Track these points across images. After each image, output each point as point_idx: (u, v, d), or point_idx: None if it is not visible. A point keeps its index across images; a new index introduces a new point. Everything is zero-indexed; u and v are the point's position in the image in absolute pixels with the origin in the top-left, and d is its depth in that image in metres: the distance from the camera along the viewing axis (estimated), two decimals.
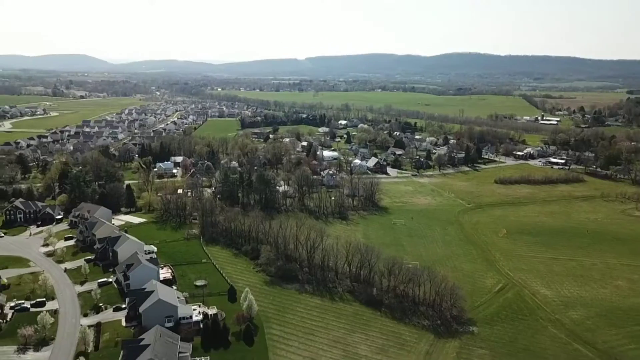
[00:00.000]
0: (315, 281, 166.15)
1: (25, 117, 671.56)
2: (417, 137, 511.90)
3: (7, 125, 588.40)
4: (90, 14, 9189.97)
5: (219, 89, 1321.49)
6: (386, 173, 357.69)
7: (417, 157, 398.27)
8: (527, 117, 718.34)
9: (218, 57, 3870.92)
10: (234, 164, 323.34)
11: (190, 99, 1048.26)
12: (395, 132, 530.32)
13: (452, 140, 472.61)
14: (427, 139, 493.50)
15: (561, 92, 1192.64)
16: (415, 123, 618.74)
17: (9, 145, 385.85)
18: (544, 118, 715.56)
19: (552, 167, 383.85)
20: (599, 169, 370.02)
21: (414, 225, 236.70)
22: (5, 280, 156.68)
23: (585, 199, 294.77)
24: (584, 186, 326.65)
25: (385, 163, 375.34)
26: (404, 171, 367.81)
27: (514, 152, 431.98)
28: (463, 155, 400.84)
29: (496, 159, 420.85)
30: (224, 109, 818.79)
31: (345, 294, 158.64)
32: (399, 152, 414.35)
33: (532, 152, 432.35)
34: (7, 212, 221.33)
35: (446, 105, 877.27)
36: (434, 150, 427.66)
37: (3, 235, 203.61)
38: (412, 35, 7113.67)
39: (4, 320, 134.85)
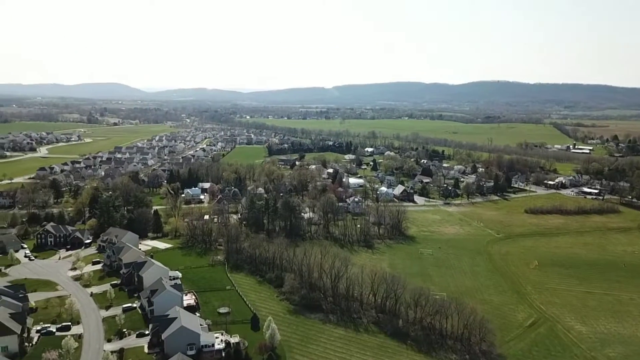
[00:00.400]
0: (339, 311, 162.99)
1: (61, 143, 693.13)
2: (444, 165, 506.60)
3: (43, 151, 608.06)
4: (126, 45, 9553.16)
5: (248, 117, 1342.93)
6: (413, 201, 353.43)
7: (445, 185, 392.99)
8: (558, 146, 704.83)
9: (247, 85, 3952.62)
10: (261, 190, 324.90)
11: (220, 127, 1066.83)
12: (422, 160, 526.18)
13: (480, 169, 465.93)
14: (455, 167, 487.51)
15: (593, 120, 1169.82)
16: (443, 151, 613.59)
17: (44, 171, 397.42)
18: (576, 147, 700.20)
19: (585, 197, 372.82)
20: (635, 200, 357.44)
21: (442, 255, 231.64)
22: (34, 304, 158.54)
23: (621, 230, 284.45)
24: (619, 217, 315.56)
25: (412, 191, 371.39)
26: (431, 199, 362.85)
27: (545, 181, 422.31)
28: (492, 184, 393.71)
29: (526, 188, 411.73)
30: (252, 136, 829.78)
31: (370, 325, 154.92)
32: (426, 180, 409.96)
33: (564, 181, 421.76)
34: (39, 235, 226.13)
35: (474, 133, 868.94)
36: (462, 179, 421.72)
37: (34, 258, 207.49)
38: (439, 64, 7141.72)
39: (30, 344, 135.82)
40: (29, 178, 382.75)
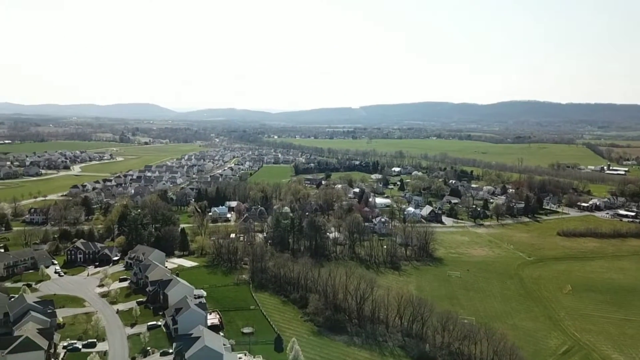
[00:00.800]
0: (364, 334, 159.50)
1: (94, 162, 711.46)
2: (473, 185, 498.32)
3: (76, 169, 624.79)
4: (159, 66, 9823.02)
5: (275, 137, 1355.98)
6: (441, 222, 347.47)
7: (474, 206, 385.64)
8: (592, 167, 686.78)
9: (276, 106, 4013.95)
10: (286, 209, 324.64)
11: (248, 146, 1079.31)
12: (450, 180, 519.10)
13: (510, 190, 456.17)
14: (484, 187, 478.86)
15: (628, 140, 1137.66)
16: (472, 171, 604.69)
17: (77, 188, 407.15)
18: (611, 168, 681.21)
19: (620, 220, 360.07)
20: None
21: (470, 277, 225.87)
22: (61, 320, 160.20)
23: None
24: None
25: (440, 212, 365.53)
26: (459, 220, 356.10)
27: (578, 203, 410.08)
28: (522, 205, 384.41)
29: (559, 209, 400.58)
30: (279, 155, 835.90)
31: (395, 349, 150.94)
32: (454, 200, 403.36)
33: (598, 203, 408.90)
34: (69, 252, 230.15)
35: (504, 153, 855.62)
36: (491, 200, 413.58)
37: (63, 274, 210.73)
38: (468, 84, 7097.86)
39: None
40: (62, 195, 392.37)
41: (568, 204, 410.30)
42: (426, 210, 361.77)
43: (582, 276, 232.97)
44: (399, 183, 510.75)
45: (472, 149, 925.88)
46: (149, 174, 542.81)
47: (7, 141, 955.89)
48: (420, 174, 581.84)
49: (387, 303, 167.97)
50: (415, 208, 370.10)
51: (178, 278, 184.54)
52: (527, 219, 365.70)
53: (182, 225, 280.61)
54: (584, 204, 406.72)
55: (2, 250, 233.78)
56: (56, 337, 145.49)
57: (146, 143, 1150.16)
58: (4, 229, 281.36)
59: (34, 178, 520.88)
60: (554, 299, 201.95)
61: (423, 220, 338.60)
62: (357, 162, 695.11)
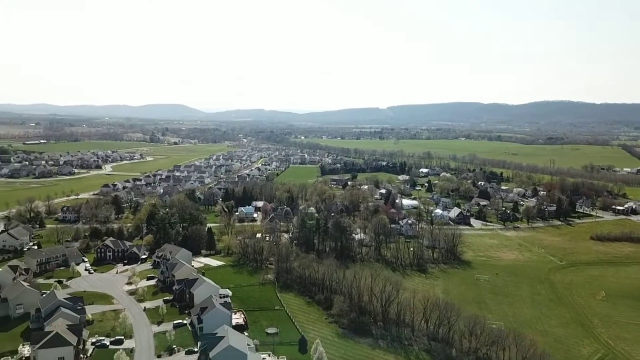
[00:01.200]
0: (389, 337, 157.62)
1: (124, 162, 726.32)
2: (503, 187, 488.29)
3: (108, 168, 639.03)
4: (189, 68, 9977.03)
5: (302, 137, 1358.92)
6: (469, 224, 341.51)
7: (503, 208, 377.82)
8: (628, 169, 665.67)
9: (303, 106, 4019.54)
10: (312, 210, 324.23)
11: (275, 147, 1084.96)
12: (479, 182, 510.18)
13: (541, 192, 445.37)
14: (515, 189, 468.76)
15: None
16: (502, 173, 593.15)
17: (107, 187, 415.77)
18: None
19: None
20: None
21: (499, 281, 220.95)
22: (90, 316, 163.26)
23: None
24: None
25: (468, 214, 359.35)
26: (488, 223, 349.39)
27: (613, 206, 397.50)
28: (554, 208, 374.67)
29: (592, 213, 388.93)
30: (306, 156, 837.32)
31: (421, 353, 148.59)
32: (483, 202, 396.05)
33: (634, 206, 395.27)
34: (99, 250, 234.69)
35: (535, 155, 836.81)
36: (521, 202, 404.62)
37: (93, 271, 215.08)
38: (498, 84, 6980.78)
39: (85, 356, 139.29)
40: (94, 194, 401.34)
41: (602, 207, 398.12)
42: (454, 212, 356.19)
43: (616, 282, 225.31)
44: (426, 184, 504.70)
45: (502, 150, 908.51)
46: (177, 173, 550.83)
47: (42, 141, 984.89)
48: (448, 175, 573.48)
49: (412, 306, 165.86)
50: (443, 210, 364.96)
51: (204, 277, 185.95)
52: (558, 222, 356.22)
53: (209, 225, 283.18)
54: (619, 207, 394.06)
55: (36, 247, 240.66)
56: (85, 333, 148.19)
57: (175, 143, 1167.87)
58: (38, 226, 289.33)
59: (67, 177, 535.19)
60: (586, 305, 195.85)
61: (451, 222, 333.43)
62: (384, 163, 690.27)
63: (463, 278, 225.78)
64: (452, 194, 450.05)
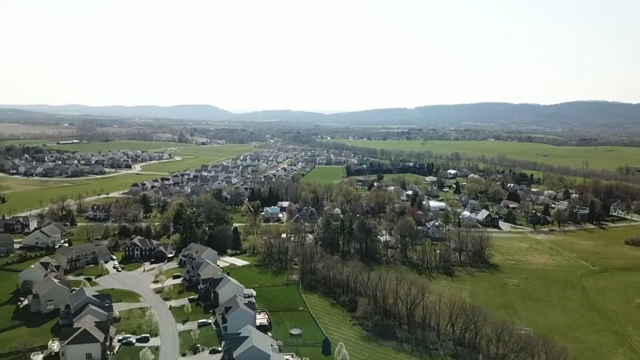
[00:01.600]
0: (414, 340, 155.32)
1: (153, 161, 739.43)
2: (533, 189, 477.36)
3: (137, 168, 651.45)
4: (217, 69, 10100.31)
5: (328, 138, 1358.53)
6: (498, 227, 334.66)
7: (534, 211, 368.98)
8: None
9: (330, 107, 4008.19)
10: (337, 210, 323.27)
11: (301, 147, 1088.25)
12: (509, 184, 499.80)
13: (574, 195, 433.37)
14: (545, 192, 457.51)
15: None
16: (532, 175, 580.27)
17: (137, 187, 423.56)
18: None
19: None
20: None
21: (528, 286, 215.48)
22: (117, 314, 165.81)
23: None
24: None
25: (497, 216, 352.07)
26: (518, 226, 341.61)
27: None
28: (587, 211, 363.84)
29: (627, 216, 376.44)
30: (332, 156, 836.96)
31: (447, 358, 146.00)
32: (512, 205, 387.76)
33: None
34: (127, 248, 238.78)
35: (567, 156, 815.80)
36: (552, 205, 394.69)
37: (121, 269, 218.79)
38: (528, 83, 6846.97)
39: (111, 353, 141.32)
40: (123, 193, 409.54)
41: (638, 211, 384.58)
42: (482, 214, 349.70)
43: None
44: (454, 186, 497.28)
45: (533, 152, 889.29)
46: (205, 173, 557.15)
47: (75, 141, 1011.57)
48: (476, 176, 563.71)
49: (438, 310, 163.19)
50: (470, 212, 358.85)
51: (229, 277, 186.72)
52: (591, 226, 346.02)
53: (235, 224, 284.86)
54: None
55: (67, 245, 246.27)
56: (112, 330, 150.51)
57: (203, 143, 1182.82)
58: (69, 224, 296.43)
59: (98, 176, 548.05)
60: (620, 312, 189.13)
61: (479, 224, 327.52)
62: (411, 164, 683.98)
63: (491, 282, 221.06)
64: (481, 195, 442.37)
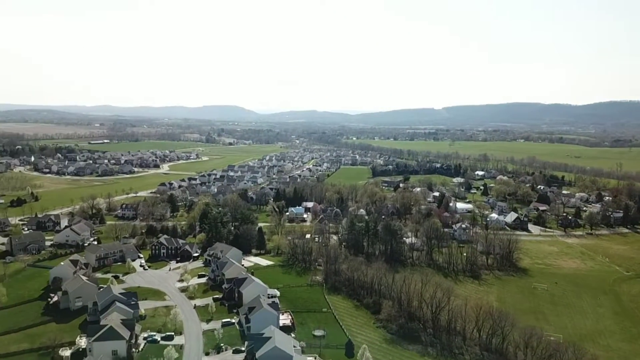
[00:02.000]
0: (439, 344, 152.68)
1: (181, 161, 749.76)
2: (564, 192, 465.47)
3: (165, 167, 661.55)
4: (244, 70, 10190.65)
5: (354, 138, 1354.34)
6: (527, 230, 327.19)
7: (564, 214, 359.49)
8: None
9: (356, 107, 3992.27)
10: (362, 211, 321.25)
11: (326, 147, 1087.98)
12: (539, 186, 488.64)
13: (607, 197, 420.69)
14: (577, 194, 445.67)
15: None
16: (563, 177, 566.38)
17: (164, 186, 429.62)
18: None
19: None
20: None
21: (558, 291, 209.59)
22: (143, 311, 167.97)
23: None
24: None
25: (526, 219, 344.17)
26: (547, 229, 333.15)
27: None
28: (621, 214, 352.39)
29: None
30: (357, 157, 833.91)
31: None
32: (542, 207, 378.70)
33: None
34: (154, 247, 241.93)
35: (600, 158, 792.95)
36: (584, 208, 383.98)
37: (148, 268, 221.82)
38: (560, 83, 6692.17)
39: (137, 350, 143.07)
40: (151, 192, 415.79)
41: None
42: (511, 217, 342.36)
43: None
44: (482, 188, 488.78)
45: (564, 153, 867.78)
46: (231, 173, 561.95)
47: (106, 141, 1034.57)
48: (505, 178, 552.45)
49: (464, 314, 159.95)
50: (499, 214, 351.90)
51: (253, 277, 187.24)
52: (625, 230, 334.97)
53: (260, 224, 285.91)
54: None
55: (96, 243, 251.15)
56: (137, 328, 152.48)
57: (230, 144, 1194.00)
58: (98, 222, 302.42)
59: (127, 175, 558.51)
60: None
61: (507, 227, 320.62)
62: (438, 165, 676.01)
63: (519, 286, 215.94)
64: (509, 198, 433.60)
